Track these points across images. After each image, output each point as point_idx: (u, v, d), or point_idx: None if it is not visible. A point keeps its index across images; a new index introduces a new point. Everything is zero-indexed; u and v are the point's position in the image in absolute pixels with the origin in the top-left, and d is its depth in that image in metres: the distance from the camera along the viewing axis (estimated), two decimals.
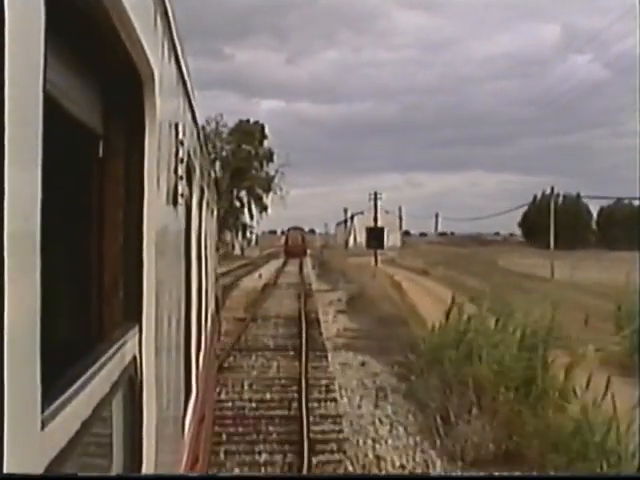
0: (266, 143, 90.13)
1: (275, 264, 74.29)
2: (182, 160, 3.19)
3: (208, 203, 7.84)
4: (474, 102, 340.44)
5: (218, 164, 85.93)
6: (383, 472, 9.60)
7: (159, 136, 2.31)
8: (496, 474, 7.83)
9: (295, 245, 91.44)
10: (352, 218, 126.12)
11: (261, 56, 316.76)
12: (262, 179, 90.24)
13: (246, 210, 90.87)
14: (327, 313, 29.98)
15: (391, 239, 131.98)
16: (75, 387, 1.38)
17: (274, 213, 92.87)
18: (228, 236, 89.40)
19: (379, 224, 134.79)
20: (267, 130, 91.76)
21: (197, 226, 5.59)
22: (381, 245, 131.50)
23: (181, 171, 3.13)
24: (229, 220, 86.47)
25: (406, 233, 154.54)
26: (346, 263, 68.87)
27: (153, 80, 2.21)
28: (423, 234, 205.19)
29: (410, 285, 43.58)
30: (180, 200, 3.13)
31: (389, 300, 34.04)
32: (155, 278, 2.25)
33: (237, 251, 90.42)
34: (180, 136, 3.10)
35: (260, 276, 51.85)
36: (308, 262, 79.64)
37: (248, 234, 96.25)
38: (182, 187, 3.21)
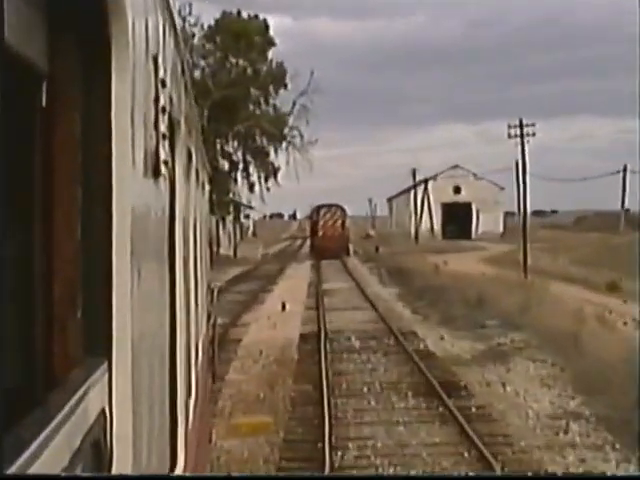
0: (272, 54, 74.90)
1: (299, 274, 60.68)
2: (164, 110, 3.24)
3: (197, 173, 7.88)
4: (576, 13, 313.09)
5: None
6: None
7: (132, 73, 2.30)
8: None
9: (331, 236, 78.53)
10: (425, 185, 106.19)
11: None
12: (268, 119, 74.29)
13: (240, 177, 75.70)
14: None
15: (484, 221, 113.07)
16: (20, 462, 1.40)
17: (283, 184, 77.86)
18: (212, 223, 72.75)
19: (463, 196, 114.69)
20: (272, 31, 75.68)
21: (184, 209, 5.55)
22: (467, 233, 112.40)
23: (163, 127, 3.18)
24: (211, 196, 70.64)
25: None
26: (447, 270, 52.49)
27: None
28: (510, 213, 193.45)
29: None
30: (163, 170, 3.15)
31: None
32: (129, 291, 2.25)
33: (225, 249, 76.33)
34: (161, 73, 3.10)
35: (284, 308, 37.42)
36: (359, 268, 65.15)
37: (243, 219, 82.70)
38: (165, 151, 3.26)
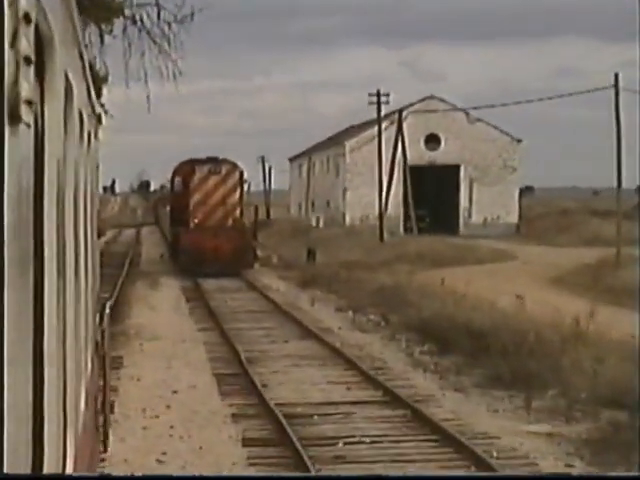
0: None
1: (172, 327, 26.26)
2: (28, 18, 2.35)
3: (82, 117, 5.80)
4: None
5: None
6: None
7: None
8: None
9: (220, 224, 41.71)
10: (399, 125, 61.89)
11: None
12: None
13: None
14: None
15: (483, 200, 70.67)
16: None
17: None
18: None
19: (444, 152, 73.62)
20: None
21: (60, 178, 3.99)
22: (449, 222, 69.62)
23: (26, 45, 2.32)
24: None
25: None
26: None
27: None
28: (529, 187, 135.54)
29: None
30: (24, 113, 2.37)
31: None
32: None
33: None
34: None
35: None
36: (309, 307, 30.67)
37: None
38: (29, 84, 2.43)
